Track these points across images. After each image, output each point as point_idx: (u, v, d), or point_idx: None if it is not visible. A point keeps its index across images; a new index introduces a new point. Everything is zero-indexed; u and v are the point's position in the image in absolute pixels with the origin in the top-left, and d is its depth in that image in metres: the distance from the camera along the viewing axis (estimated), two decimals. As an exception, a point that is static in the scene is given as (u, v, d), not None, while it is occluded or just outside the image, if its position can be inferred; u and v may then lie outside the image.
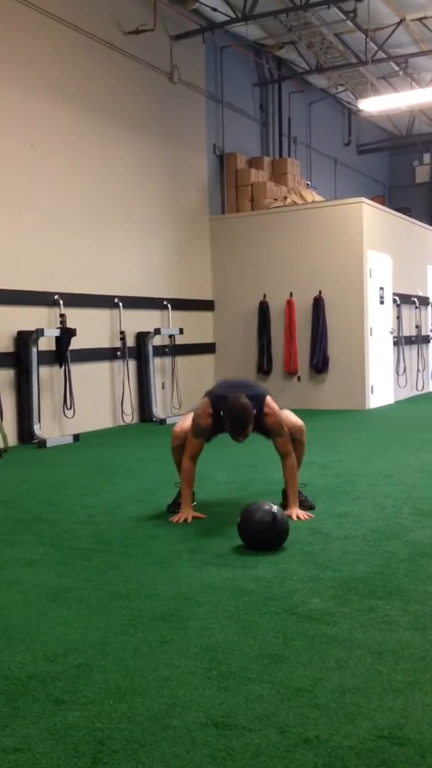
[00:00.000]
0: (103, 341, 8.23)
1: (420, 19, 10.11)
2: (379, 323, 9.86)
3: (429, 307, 11.87)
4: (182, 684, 2.13)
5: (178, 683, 2.14)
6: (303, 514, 3.98)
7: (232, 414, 3.71)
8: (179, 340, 9.24)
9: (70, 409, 7.52)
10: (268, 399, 3.94)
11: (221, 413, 3.81)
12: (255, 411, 3.78)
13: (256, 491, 4.66)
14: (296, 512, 3.97)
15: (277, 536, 3.42)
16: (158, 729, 1.90)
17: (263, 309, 9.87)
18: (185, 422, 4.10)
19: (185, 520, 3.96)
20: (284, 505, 4.01)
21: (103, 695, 2.08)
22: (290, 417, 4.11)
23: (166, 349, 9.13)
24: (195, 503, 4.19)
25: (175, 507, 4.18)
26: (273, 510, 3.41)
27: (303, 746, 1.80)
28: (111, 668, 2.25)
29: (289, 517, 3.85)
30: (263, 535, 3.40)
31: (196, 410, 4.01)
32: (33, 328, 7.06)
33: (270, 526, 3.38)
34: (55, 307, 7.54)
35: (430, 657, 2.27)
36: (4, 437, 6.55)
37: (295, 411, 4.32)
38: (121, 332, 8.39)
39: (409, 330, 11.15)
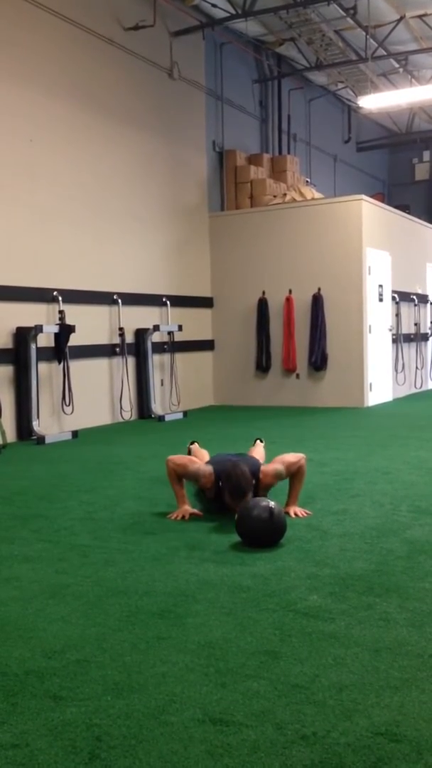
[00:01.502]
0: (102, 338, 8.23)
1: (420, 16, 10.10)
2: (378, 321, 9.86)
3: (428, 304, 11.86)
4: (180, 680, 2.14)
5: (175, 679, 2.14)
6: (301, 511, 3.99)
7: (231, 485, 3.73)
8: (178, 337, 9.24)
9: (69, 405, 7.52)
10: (263, 466, 4.02)
11: (219, 483, 3.86)
12: (254, 480, 3.83)
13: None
14: (294, 509, 3.99)
15: (274, 533, 3.42)
16: (156, 725, 1.90)
17: (262, 306, 9.87)
18: (181, 459, 4.09)
19: (182, 517, 3.97)
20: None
21: (101, 691, 2.09)
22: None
23: (165, 346, 9.13)
24: None
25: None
26: (270, 506, 3.42)
27: (300, 742, 1.81)
28: (109, 664, 2.25)
29: (287, 513, 3.86)
30: (261, 532, 3.40)
31: (201, 465, 4.03)
32: (32, 325, 7.06)
33: (267, 522, 3.39)
34: (54, 303, 7.53)
35: (427, 654, 2.28)
36: (3, 434, 6.55)
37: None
38: (120, 329, 8.38)
39: (407, 327, 11.15)
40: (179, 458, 4.08)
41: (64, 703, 2.02)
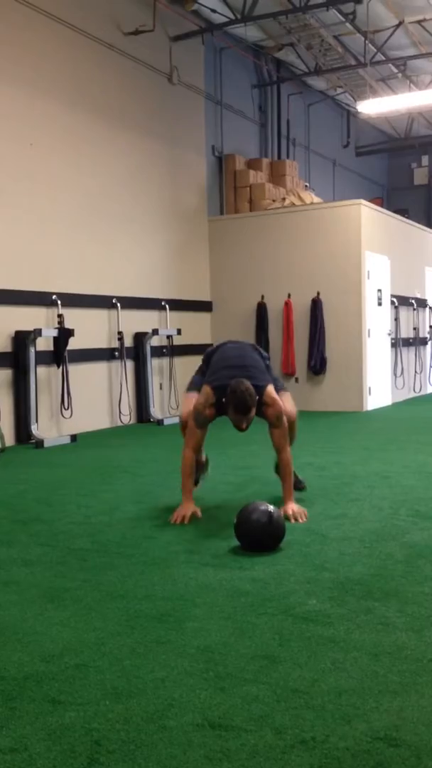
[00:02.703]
0: (101, 341, 8.23)
1: (419, 22, 10.13)
2: (377, 325, 9.86)
3: (427, 309, 11.87)
4: (178, 685, 2.13)
5: (174, 684, 2.14)
6: (299, 510, 3.96)
7: (236, 399, 3.76)
8: (177, 341, 9.24)
9: (68, 409, 7.52)
10: (269, 389, 3.98)
11: (223, 400, 3.87)
12: (257, 397, 3.84)
13: (252, 492, 4.65)
14: (292, 507, 3.95)
15: (273, 537, 3.42)
16: (154, 730, 1.90)
17: (261, 310, 9.88)
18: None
19: (183, 518, 3.93)
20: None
21: (100, 696, 2.08)
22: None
23: (164, 350, 9.14)
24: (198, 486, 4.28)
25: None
26: (269, 510, 3.42)
27: (299, 747, 1.81)
28: (107, 669, 2.25)
29: (285, 513, 3.84)
30: (260, 536, 3.40)
31: (198, 398, 4.02)
32: (31, 328, 7.06)
33: (266, 526, 3.39)
34: (53, 307, 7.53)
35: (426, 658, 2.27)
36: (2, 437, 6.55)
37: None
38: (119, 333, 8.38)
39: (406, 332, 11.16)
40: (188, 410, 4.06)
41: (62, 708, 2.02)
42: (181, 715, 1.97)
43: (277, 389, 4.10)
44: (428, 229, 12.29)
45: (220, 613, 2.66)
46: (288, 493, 4.04)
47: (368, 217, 9.55)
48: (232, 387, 3.78)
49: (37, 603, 2.81)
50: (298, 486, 4.42)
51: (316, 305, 9.51)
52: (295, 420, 4.30)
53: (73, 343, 7.50)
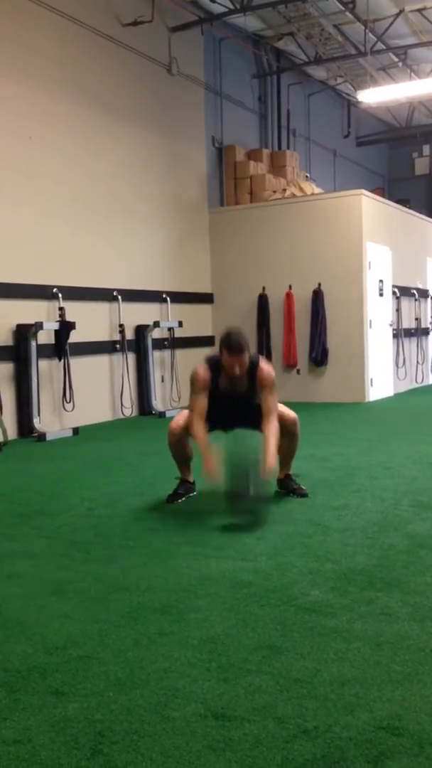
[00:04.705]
0: (103, 334, 8.22)
1: (419, 10, 10.07)
2: (379, 316, 9.85)
3: (428, 299, 11.85)
4: (181, 675, 2.14)
5: (177, 675, 2.15)
6: (273, 460, 3.82)
7: (229, 340, 3.87)
8: (178, 333, 9.23)
9: (70, 402, 7.52)
10: (263, 361, 4.09)
11: (216, 360, 3.98)
12: (250, 361, 3.95)
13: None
14: (270, 460, 3.77)
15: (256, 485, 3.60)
16: (158, 720, 1.91)
17: (262, 302, 9.86)
18: (180, 418, 4.12)
19: (212, 469, 3.78)
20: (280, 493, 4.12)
21: (103, 687, 2.09)
22: (284, 410, 4.16)
23: (166, 342, 9.13)
24: (195, 493, 4.22)
25: (175, 497, 4.20)
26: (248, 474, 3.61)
27: (302, 737, 1.81)
28: (111, 660, 2.25)
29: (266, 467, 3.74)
30: (244, 489, 3.59)
31: (193, 370, 4.09)
32: (32, 322, 7.05)
33: (246, 488, 3.61)
34: (54, 300, 7.53)
35: (428, 648, 2.28)
36: (4, 431, 6.55)
37: (295, 404, 4.36)
38: (120, 325, 8.38)
39: (408, 322, 11.14)
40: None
41: (66, 699, 2.03)
42: (184, 705, 1.98)
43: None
44: (429, 219, 12.25)
45: (223, 605, 2.67)
46: (272, 451, 3.83)
47: (369, 208, 9.51)
48: (226, 331, 3.93)
49: (40, 595, 2.82)
50: (299, 492, 4.26)
51: (317, 296, 9.49)
52: (297, 424, 4.15)
53: (75, 336, 7.49)
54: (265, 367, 4.02)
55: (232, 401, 4.03)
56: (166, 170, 9.28)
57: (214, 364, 4.01)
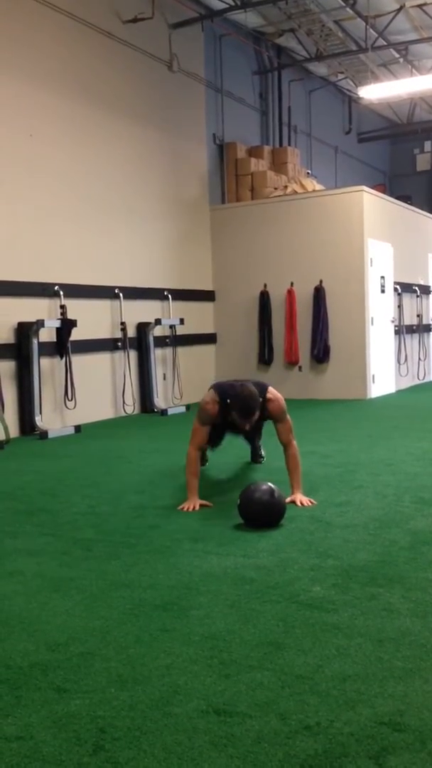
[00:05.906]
0: (104, 332, 8.22)
1: (420, 6, 10.04)
2: (380, 312, 9.84)
3: (430, 295, 11.84)
4: (183, 672, 2.14)
5: (179, 671, 2.15)
6: (306, 500, 4.01)
7: (240, 399, 3.87)
8: (180, 331, 9.23)
9: (72, 400, 7.53)
10: (270, 387, 4.12)
11: (227, 401, 3.95)
12: (260, 398, 3.94)
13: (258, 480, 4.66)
14: (300, 498, 4.00)
15: (275, 512, 3.57)
16: (160, 716, 1.91)
17: (264, 299, 9.86)
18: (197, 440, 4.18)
19: (193, 507, 3.98)
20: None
21: (105, 683, 2.09)
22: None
23: (167, 340, 9.13)
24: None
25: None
26: (271, 487, 3.60)
27: (304, 733, 1.81)
28: (112, 657, 2.26)
29: (293, 503, 3.92)
30: (261, 511, 3.55)
31: (203, 398, 4.11)
32: (34, 320, 7.06)
33: (268, 503, 3.56)
34: (55, 298, 7.53)
35: (430, 644, 2.28)
36: (6, 429, 6.56)
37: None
38: (122, 323, 8.38)
39: (410, 319, 11.13)
40: (196, 440, 4.11)
41: (68, 696, 2.03)
42: (186, 701, 1.98)
43: None
44: (431, 216, 12.24)
45: (225, 601, 2.67)
46: (296, 484, 4.08)
47: (371, 204, 9.50)
48: (237, 391, 3.89)
49: (42, 592, 2.82)
50: (257, 460, 4.82)
51: (318, 293, 9.49)
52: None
53: (76, 334, 7.49)
54: (273, 399, 4.05)
55: (237, 429, 4.18)
56: (167, 167, 9.27)
57: (224, 405, 3.98)
